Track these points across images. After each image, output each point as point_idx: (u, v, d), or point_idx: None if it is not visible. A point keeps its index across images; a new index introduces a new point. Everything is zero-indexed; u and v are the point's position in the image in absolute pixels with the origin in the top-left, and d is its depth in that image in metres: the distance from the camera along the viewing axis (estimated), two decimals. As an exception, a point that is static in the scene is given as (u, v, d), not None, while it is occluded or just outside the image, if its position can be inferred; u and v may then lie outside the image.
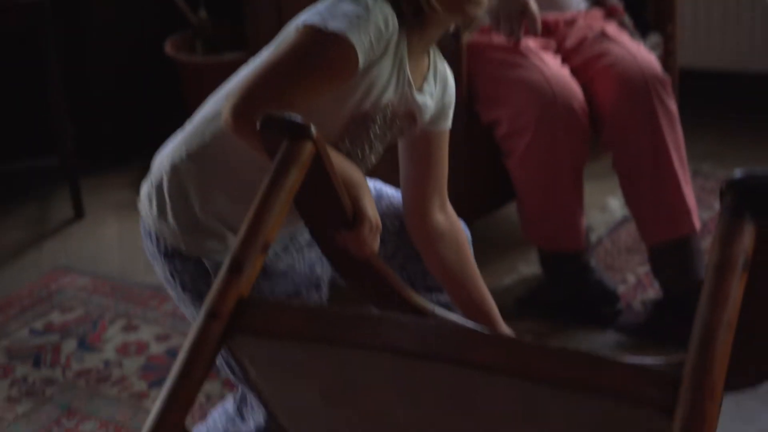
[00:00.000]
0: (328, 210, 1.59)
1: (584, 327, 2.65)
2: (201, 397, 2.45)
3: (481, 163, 2.70)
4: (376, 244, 1.65)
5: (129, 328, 2.74)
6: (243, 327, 1.24)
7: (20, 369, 2.61)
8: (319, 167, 1.46)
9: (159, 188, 1.79)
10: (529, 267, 2.90)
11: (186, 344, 1.20)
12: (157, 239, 1.80)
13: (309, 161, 1.41)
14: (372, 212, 1.63)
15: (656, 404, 1.11)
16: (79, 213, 3.36)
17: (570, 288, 2.70)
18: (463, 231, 1.90)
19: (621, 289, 2.76)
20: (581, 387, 1.12)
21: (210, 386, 2.48)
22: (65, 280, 2.98)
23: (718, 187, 1.32)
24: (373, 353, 1.22)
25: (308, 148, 1.40)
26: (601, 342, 2.59)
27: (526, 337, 2.58)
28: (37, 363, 2.62)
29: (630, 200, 2.66)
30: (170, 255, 1.79)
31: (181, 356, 1.20)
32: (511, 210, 2.93)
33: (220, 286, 1.26)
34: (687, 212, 2.61)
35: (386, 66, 1.66)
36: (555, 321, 2.68)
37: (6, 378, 2.58)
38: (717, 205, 3.09)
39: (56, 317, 2.81)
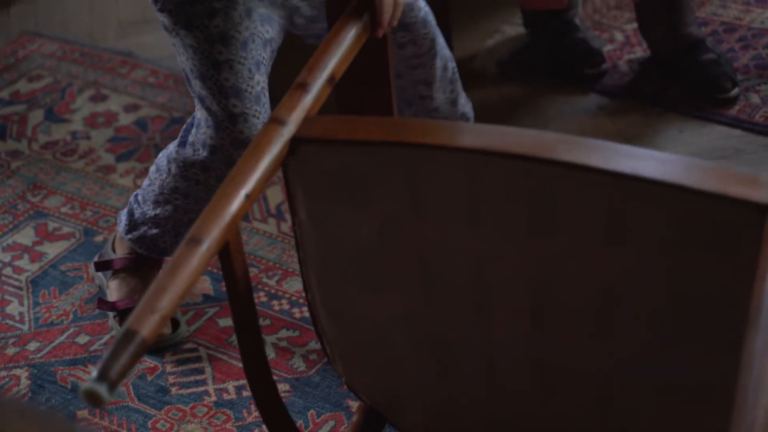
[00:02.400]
0: None
1: (567, 89, 2.55)
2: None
3: None
4: (395, 20, 1.65)
5: (98, 97, 2.65)
6: (309, 138, 1.27)
7: (-14, 142, 2.54)
8: None
9: None
10: (513, 28, 2.77)
11: (251, 145, 1.24)
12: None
13: None
14: None
15: (746, 201, 1.13)
16: (48, -26, 3.21)
17: (553, 48, 2.59)
18: None
19: (608, 48, 2.64)
20: (673, 187, 1.14)
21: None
22: (33, 47, 2.88)
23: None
24: (446, 155, 1.22)
25: None
26: (583, 105, 2.50)
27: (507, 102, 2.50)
28: (2, 135, 2.55)
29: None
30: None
31: (247, 153, 1.24)
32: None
33: (286, 100, 1.30)
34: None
35: None
36: (537, 83, 2.58)
37: (-29, 151, 2.52)
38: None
39: (23, 86, 2.72)
